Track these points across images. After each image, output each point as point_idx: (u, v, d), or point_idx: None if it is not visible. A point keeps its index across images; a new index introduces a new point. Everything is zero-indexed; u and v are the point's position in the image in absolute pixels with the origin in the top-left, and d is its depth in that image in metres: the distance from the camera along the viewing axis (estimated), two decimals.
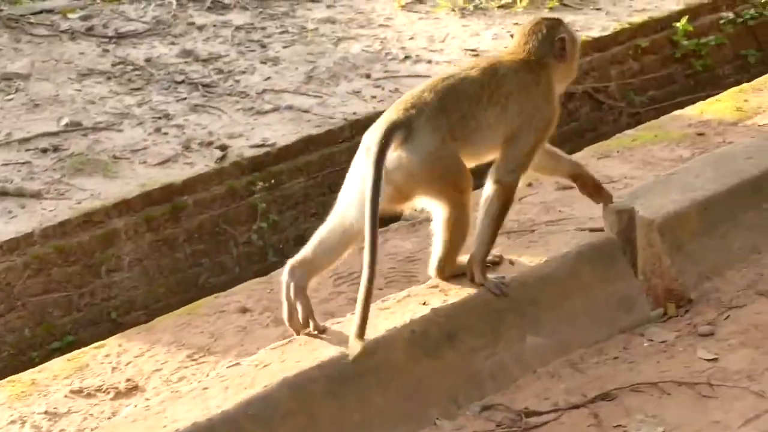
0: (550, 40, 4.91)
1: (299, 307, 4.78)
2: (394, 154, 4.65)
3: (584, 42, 8.99)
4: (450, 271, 4.92)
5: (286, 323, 4.84)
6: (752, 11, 10.01)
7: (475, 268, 4.86)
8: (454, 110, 4.74)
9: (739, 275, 5.39)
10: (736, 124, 7.50)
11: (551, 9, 9.66)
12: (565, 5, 9.77)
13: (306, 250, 4.85)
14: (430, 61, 8.80)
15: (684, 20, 9.55)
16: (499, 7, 9.69)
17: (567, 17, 9.30)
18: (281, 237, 7.46)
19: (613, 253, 5.11)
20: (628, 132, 7.52)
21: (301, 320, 4.77)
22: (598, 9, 9.73)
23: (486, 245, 4.87)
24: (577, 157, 7.28)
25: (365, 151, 4.67)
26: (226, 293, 5.85)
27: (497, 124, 4.81)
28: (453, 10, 9.64)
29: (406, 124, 4.66)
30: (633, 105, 9.32)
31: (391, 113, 4.74)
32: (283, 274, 4.85)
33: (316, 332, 4.72)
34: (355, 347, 4.45)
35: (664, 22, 9.62)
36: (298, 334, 4.76)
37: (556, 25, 5.00)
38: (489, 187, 4.87)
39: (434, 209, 4.83)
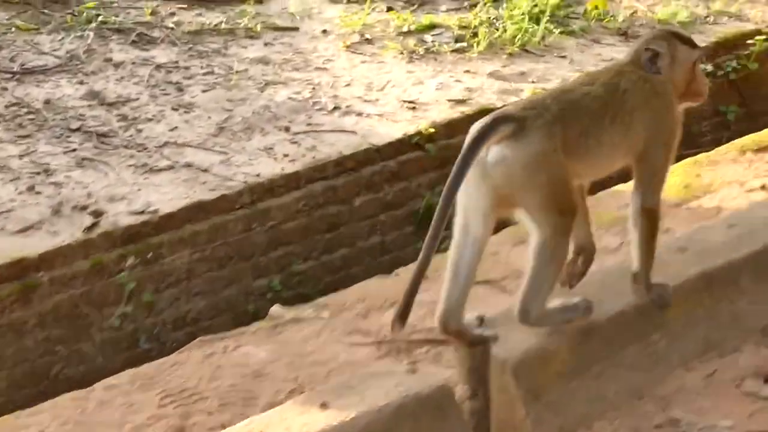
0: (653, 55, 4.77)
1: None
2: (497, 147, 4.40)
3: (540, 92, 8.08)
4: (537, 317, 4.51)
5: None
6: (734, 63, 9.03)
7: (642, 284, 4.76)
8: (574, 124, 4.54)
9: (611, 428, 4.45)
10: (679, 206, 6.56)
11: (511, 55, 8.72)
12: (526, 51, 8.82)
13: (445, 295, 4.61)
14: (360, 114, 7.88)
15: None
16: (452, 51, 8.74)
17: (526, 65, 8.46)
18: (157, 320, 6.55)
19: (444, 406, 4.18)
20: None
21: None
22: (562, 57, 8.78)
23: (648, 264, 4.78)
24: (498, 237, 6.45)
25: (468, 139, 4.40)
26: (27, 412, 4.99)
27: (620, 143, 4.67)
28: (401, 53, 8.71)
29: (519, 119, 4.43)
30: None
31: (508, 107, 4.58)
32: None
33: None
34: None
35: None
36: None
37: (657, 36, 4.89)
38: (635, 214, 4.78)
39: (531, 230, 4.51)
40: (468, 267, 4.60)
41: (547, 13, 9.09)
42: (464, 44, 8.77)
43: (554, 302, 4.57)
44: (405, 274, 6.03)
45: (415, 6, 9.43)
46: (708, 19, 9.44)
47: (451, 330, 4.57)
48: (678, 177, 6.83)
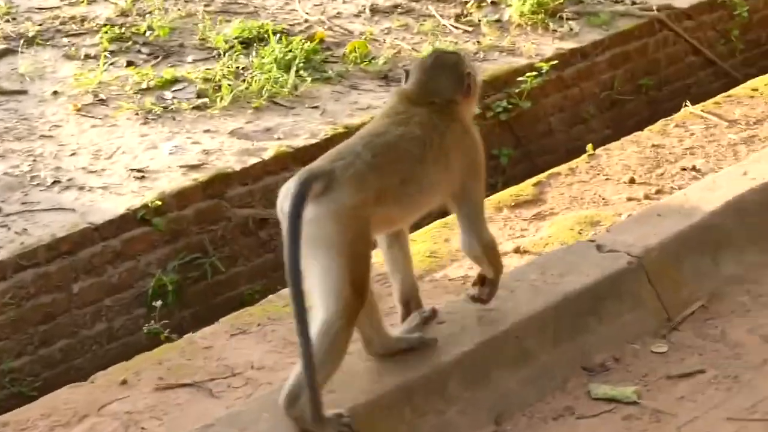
0: (458, 76, 4.65)
1: None
2: (311, 206, 4.16)
3: (284, 154, 7.36)
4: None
5: None
6: (505, 103, 8.41)
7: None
8: (391, 173, 4.33)
9: None
10: (422, 277, 5.85)
11: (257, 109, 7.97)
12: (275, 103, 8.08)
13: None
14: (82, 187, 7.04)
15: None
16: (193, 108, 7.95)
17: (273, 119, 7.72)
18: None
19: None
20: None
21: None
22: (314, 107, 8.05)
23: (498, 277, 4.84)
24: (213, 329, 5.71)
25: (279, 207, 4.26)
26: None
27: (439, 183, 4.51)
28: (137, 114, 7.88)
29: (327, 173, 4.22)
30: None
31: (316, 162, 4.36)
32: None
33: None
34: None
35: None
36: None
37: (453, 60, 4.74)
38: (475, 255, 4.71)
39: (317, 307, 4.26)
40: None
41: (300, 59, 8.37)
42: (206, 100, 7.98)
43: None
44: (102, 379, 5.28)
45: (159, 59, 8.62)
46: (478, 55, 8.80)
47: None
48: (424, 244, 6.15)
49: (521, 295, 5.08)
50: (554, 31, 9.22)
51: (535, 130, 8.65)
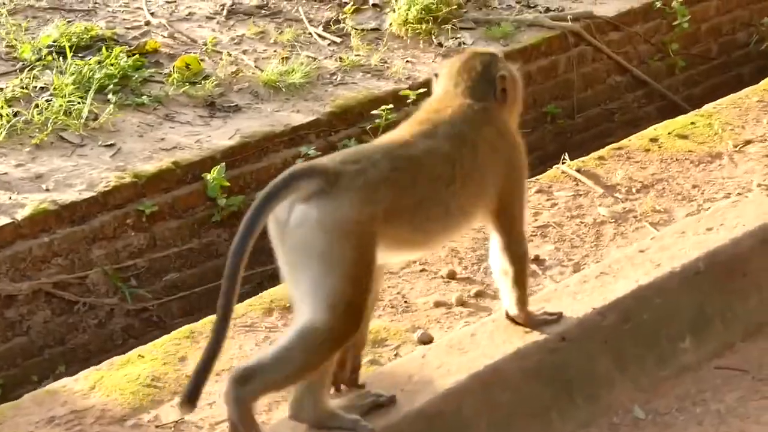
0: (490, 79, 4.20)
1: None
2: (303, 206, 3.67)
3: (43, 213, 5.89)
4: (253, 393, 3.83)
5: None
6: (353, 142, 6.86)
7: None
8: (409, 191, 3.83)
9: None
10: None
11: (38, 146, 6.47)
12: (63, 138, 6.57)
13: None
14: None
15: (217, 169, 6.39)
16: None
17: (51, 162, 6.31)
18: None
19: None
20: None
21: None
22: (108, 145, 6.53)
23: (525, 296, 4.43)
24: None
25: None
26: None
27: (472, 205, 4.04)
28: None
29: (331, 173, 3.69)
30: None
31: (323, 158, 3.86)
32: None
33: None
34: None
35: (196, 169, 6.46)
36: None
37: (487, 60, 4.26)
38: (503, 265, 4.32)
39: (300, 312, 3.80)
40: None
41: (114, 78, 6.88)
42: None
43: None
44: None
45: None
46: (335, 77, 7.26)
47: None
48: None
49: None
50: (440, 45, 7.65)
51: None
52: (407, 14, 7.72)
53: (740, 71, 8.77)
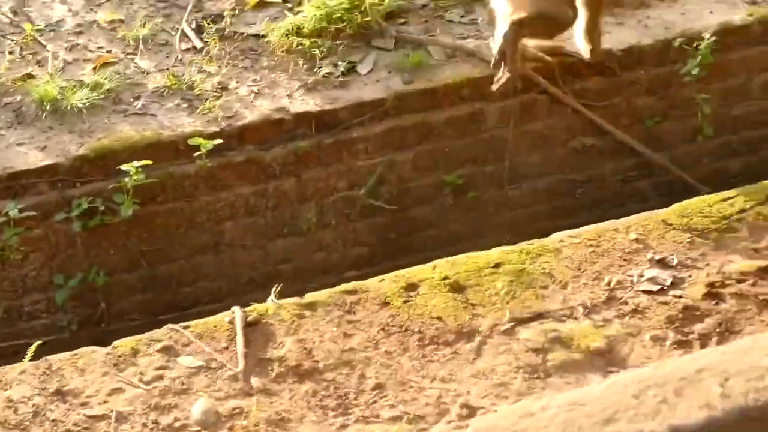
0: None
1: None
2: None
3: None
4: None
5: None
6: (100, 203, 5.19)
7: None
8: None
9: None
10: None
11: None
12: None
13: None
14: None
15: None
16: None
17: None
18: None
19: None
20: None
21: None
22: None
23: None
24: None
25: None
26: None
27: None
28: None
29: None
30: None
31: None
32: None
33: None
34: None
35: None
36: None
37: None
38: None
39: None
40: None
41: None
42: None
43: None
44: None
45: None
46: (136, 103, 5.57)
47: None
48: None
49: None
50: (316, 71, 5.70)
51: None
52: (303, 22, 5.80)
53: None
